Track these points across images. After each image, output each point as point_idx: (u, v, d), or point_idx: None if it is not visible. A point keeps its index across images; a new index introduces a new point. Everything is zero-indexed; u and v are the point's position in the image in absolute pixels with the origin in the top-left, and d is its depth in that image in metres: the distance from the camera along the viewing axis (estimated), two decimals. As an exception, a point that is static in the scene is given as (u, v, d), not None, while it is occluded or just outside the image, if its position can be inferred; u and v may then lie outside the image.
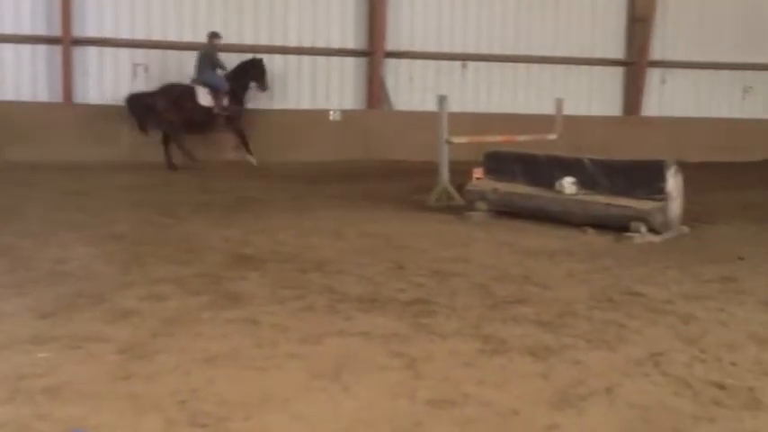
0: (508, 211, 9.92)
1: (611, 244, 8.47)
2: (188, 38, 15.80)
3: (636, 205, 8.84)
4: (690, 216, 9.40)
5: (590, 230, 9.01)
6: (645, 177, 8.98)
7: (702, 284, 6.67)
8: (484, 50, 17.61)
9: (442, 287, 6.38)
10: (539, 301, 6.04)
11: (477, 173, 10.67)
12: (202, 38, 15.25)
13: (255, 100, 15.75)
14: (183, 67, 15.51)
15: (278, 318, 5.43)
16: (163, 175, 13.72)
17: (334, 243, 8.10)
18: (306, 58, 16.73)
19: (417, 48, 17.21)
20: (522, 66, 17.85)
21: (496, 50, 17.67)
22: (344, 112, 16.74)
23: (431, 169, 11.60)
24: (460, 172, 10.89)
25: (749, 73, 18.66)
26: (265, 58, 15.74)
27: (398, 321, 5.39)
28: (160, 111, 14.57)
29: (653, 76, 18.50)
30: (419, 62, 17.29)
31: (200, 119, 14.82)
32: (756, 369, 4.56)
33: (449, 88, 16.14)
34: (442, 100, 11.04)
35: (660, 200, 8.81)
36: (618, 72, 18.48)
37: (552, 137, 12.44)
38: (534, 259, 7.60)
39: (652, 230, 8.73)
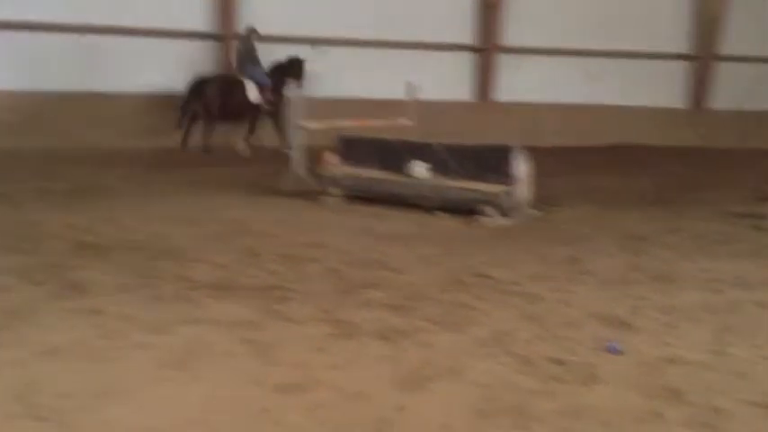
0: (362, 196, 9.96)
1: (462, 227, 8.65)
2: None
3: (486, 189, 9.06)
4: (538, 199, 9.70)
5: (442, 214, 9.18)
6: (494, 162, 9.22)
7: (548, 265, 6.90)
8: (338, 34, 17.59)
9: (295, 273, 6.35)
10: (391, 285, 6.10)
11: (332, 158, 10.67)
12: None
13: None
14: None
15: (125, 307, 5.27)
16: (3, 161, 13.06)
17: (186, 230, 7.92)
18: (154, 41, 16.23)
19: (271, 31, 17.01)
20: (375, 50, 17.94)
21: (350, 34, 17.68)
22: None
23: (284, 154, 11.52)
24: (315, 157, 10.86)
25: (594, 60, 19.40)
26: (107, 40, 15.26)
27: (250, 308, 5.33)
28: (207, 96, 14.76)
29: (503, 62, 18.98)
30: (272, 46, 17.10)
31: (243, 111, 15.20)
32: (595, 345, 4.75)
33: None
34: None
35: (509, 184, 9.06)
36: (469, 58, 18.85)
37: (406, 122, 12.58)
38: (387, 244, 7.67)
39: (502, 214, 8.97)
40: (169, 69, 16.24)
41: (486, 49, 18.65)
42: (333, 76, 17.59)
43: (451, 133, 15.39)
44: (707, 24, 19.71)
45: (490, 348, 4.70)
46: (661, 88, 19.57)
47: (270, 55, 16.79)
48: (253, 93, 15.23)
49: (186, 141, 15.12)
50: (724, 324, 5.21)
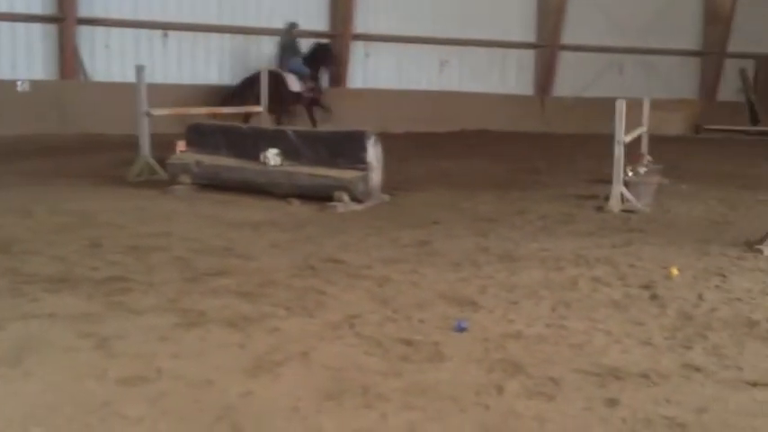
0: (213, 185, 9.81)
1: (315, 213, 8.65)
2: None
3: (338, 175, 9.09)
4: (391, 184, 9.81)
5: (295, 201, 9.15)
6: (346, 148, 9.26)
7: (399, 249, 6.99)
8: (186, 20, 17.22)
9: (139, 263, 6.18)
10: (240, 272, 6.03)
11: (181, 146, 10.45)
12: None
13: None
14: None
15: (-51, 304, 4.99)
16: None
17: (23, 222, 7.58)
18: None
19: (113, 15, 16.47)
20: (226, 36, 17.68)
21: (199, 20, 17.34)
22: (34, 83, 15.67)
23: (131, 143, 11.20)
24: (163, 145, 10.61)
25: (446, 47, 19.77)
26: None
27: (90, 301, 5.15)
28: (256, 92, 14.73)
29: (357, 49, 19.08)
30: (116, 30, 16.57)
31: (289, 101, 16.23)
32: (442, 325, 4.84)
33: (150, 58, 15.67)
34: (139, 70, 10.66)
35: (361, 169, 9.12)
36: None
37: (258, 109, 12.46)
38: (238, 231, 7.58)
39: (355, 199, 9.02)
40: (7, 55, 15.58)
41: (339, 35, 18.69)
42: (183, 63, 17.24)
43: (307, 120, 15.38)
44: (551, 15, 20.44)
45: (340, 331, 4.72)
46: (510, 76, 20.17)
47: (120, 42, 16.32)
48: (294, 83, 16.37)
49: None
50: (563, 299, 5.42)
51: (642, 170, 10.22)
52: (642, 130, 11.15)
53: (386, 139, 9.54)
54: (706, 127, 21.25)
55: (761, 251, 6.92)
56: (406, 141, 15.70)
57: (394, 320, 4.94)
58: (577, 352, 4.41)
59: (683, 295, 5.61)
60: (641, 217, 8.78)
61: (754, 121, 21.51)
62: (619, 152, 9.15)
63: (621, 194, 9.14)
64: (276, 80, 15.62)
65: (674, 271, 6.24)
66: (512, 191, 10.47)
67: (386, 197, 9.52)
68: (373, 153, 9.25)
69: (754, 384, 3.97)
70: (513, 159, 14.16)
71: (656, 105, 11.96)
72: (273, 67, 16.32)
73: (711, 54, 22.05)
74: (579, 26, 20.44)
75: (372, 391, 3.82)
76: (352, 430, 3.46)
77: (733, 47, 21.94)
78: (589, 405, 3.71)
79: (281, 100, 15.84)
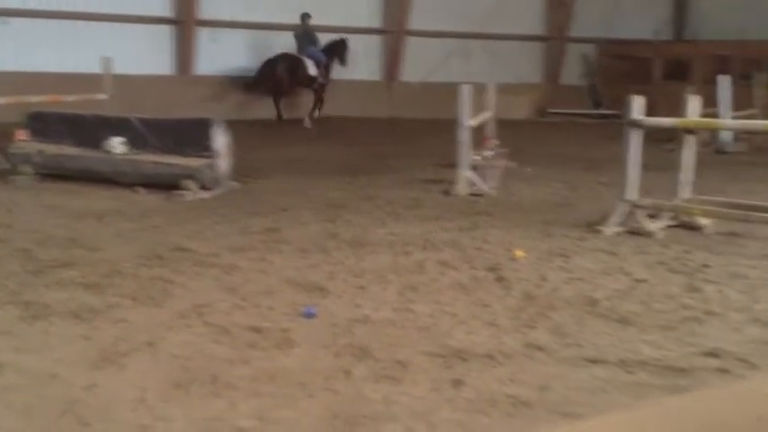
0: (56, 174, 9.42)
1: (162, 202, 8.46)
2: None
3: (185, 163, 8.92)
4: (240, 172, 9.70)
5: (141, 190, 8.91)
6: (193, 135, 9.09)
7: (247, 236, 6.93)
8: (26, 5, 16.43)
9: (-25, 257, 5.88)
10: (85, 263, 5.85)
11: (21, 135, 9.98)
12: None
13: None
14: None
15: None
16: None
17: None
18: None
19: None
20: (67, 22, 16.97)
21: (39, 6, 16.58)
22: None
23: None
24: (3, 134, 10.12)
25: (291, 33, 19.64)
26: None
27: None
28: (278, 73, 17.70)
29: (202, 36, 18.70)
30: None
31: (304, 84, 18.02)
32: (291, 311, 4.84)
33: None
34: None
35: (208, 157, 8.98)
36: (168, 30, 18.38)
37: (102, 96, 12.04)
38: (82, 221, 7.33)
39: (203, 187, 8.87)
40: None
41: (184, 21, 18.27)
42: (23, 50, 16.46)
43: (152, 107, 14.97)
44: (396, 0, 20.65)
45: (188, 320, 4.65)
46: (359, 62, 20.22)
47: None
48: (312, 68, 17.94)
49: (280, 114, 18.26)
50: (410, 283, 5.51)
51: (488, 154, 10.50)
52: (488, 114, 11.43)
53: (235, 126, 9.41)
54: (550, 111, 22.02)
55: (602, 231, 7.22)
56: (254, 128, 15.55)
57: (242, 308, 4.90)
58: (424, 335, 4.49)
59: (528, 276, 5.79)
60: (488, 200, 9.02)
61: (597, 104, 22.46)
62: (464, 137, 9.36)
63: (468, 178, 9.36)
64: (296, 64, 17.84)
65: (519, 253, 6.44)
66: (360, 176, 10.55)
67: (235, 185, 9.41)
68: (220, 140, 9.12)
69: (594, 361, 4.15)
70: (361, 145, 14.26)
71: (501, 90, 12.25)
72: (293, 52, 18.20)
73: (554, 39, 22.83)
74: (425, 12, 20.73)
75: (220, 380, 3.78)
76: (200, 419, 3.42)
77: (575, 31, 22.79)
78: (435, 386, 3.79)
79: (299, 82, 17.95)
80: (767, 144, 13.88)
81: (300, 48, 18.25)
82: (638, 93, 7.45)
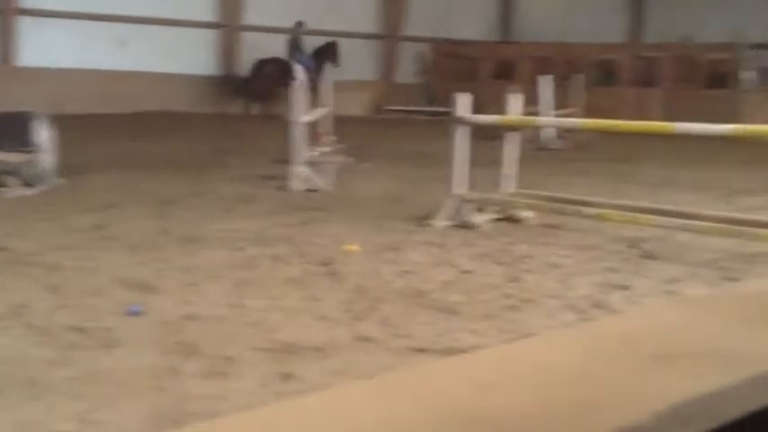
0: None
1: (-20, 199, 8.04)
2: None
3: (4, 159, 8.49)
4: (66, 167, 9.32)
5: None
6: (13, 130, 8.68)
7: (73, 234, 6.69)
8: None
9: None
10: None
11: None
12: None
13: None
14: None
15: None
16: None
17: None
18: None
19: None
20: None
21: None
22: None
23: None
24: None
25: (123, 25, 19.05)
26: None
27: None
28: (266, 75, 19.05)
29: (25, 25, 17.86)
30: None
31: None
32: (116, 310, 4.71)
33: None
34: None
35: (30, 152, 8.60)
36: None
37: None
38: None
39: (25, 184, 8.49)
40: None
41: (3, 10, 17.39)
42: None
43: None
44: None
45: (5, 322, 4.45)
46: (193, 56, 19.87)
47: None
48: (300, 74, 17.62)
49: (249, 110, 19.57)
50: (242, 279, 5.49)
51: (324, 150, 10.55)
52: (324, 110, 11.49)
53: (59, 121, 9.04)
54: (386, 108, 22.37)
55: (432, 225, 7.41)
56: (82, 123, 14.97)
57: (65, 308, 4.73)
58: (255, 330, 4.48)
59: (360, 270, 5.87)
60: (323, 195, 9.07)
61: (431, 102, 22.98)
62: (299, 133, 9.38)
63: (303, 174, 9.39)
64: (285, 68, 18.46)
65: (352, 247, 6.51)
66: (194, 172, 10.38)
67: (61, 181, 9.04)
68: (44, 135, 8.75)
69: (421, 351, 4.26)
70: (196, 140, 14.02)
71: (337, 87, 12.34)
72: (282, 57, 19.42)
73: (389, 37, 23.20)
74: (261, 7, 20.60)
75: (39, 382, 3.64)
76: (17, 424, 3.28)
77: (409, 31, 23.25)
78: (265, 381, 3.79)
79: (287, 85, 17.65)
80: (586, 141, 14.64)
81: (290, 53, 19.44)
82: (469, 91, 7.69)
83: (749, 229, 6.54)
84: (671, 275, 5.92)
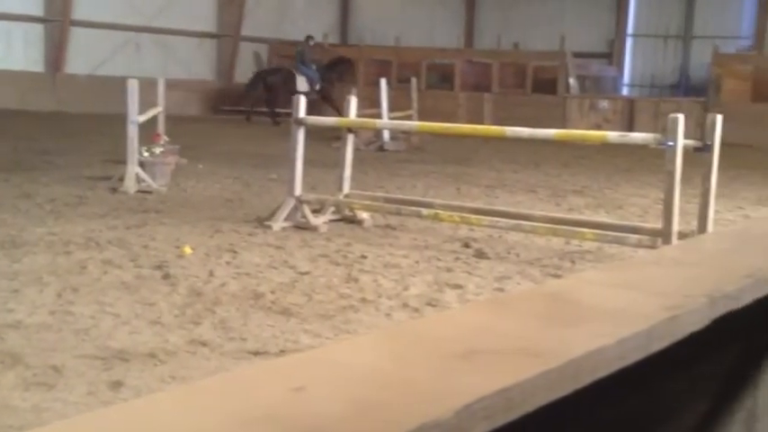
0: None
1: None
2: None
3: None
4: None
5: None
6: None
7: None
8: None
9: None
10: None
11: None
12: None
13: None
14: None
15: None
16: None
17: None
18: None
19: None
20: None
21: None
22: None
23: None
24: None
25: None
26: None
27: None
28: (267, 83, 20.09)
29: None
30: None
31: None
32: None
33: None
34: None
35: None
36: None
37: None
38: None
39: None
40: None
41: None
42: None
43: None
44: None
45: None
46: (17, 51, 18.95)
47: None
48: (302, 84, 19.78)
49: (250, 118, 20.27)
50: (70, 284, 5.27)
51: (159, 150, 10.29)
52: (158, 110, 11.22)
53: None
54: (224, 108, 22.07)
55: (270, 227, 7.37)
56: None
57: None
58: (83, 337, 4.32)
59: (195, 273, 5.77)
60: (157, 197, 8.86)
61: (269, 102, 22.89)
62: (133, 132, 9.11)
63: (137, 175, 9.13)
64: (288, 77, 19.98)
65: (187, 249, 6.39)
66: (18, 173, 9.89)
67: None
68: None
69: (256, 353, 4.23)
70: (20, 139, 13.35)
71: (174, 86, 12.11)
72: (288, 67, 20.64)
73: (226, 36, 22.90)
74: (92, 2, 19.87)
75: None
76: None
77: (247, 30, 23.03)
78: (92, 390, 3.66)
79: (290, 93, 18.06)
80: (422, 144, 14.98)
81: (297, 65, 20.45)
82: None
83: (573, 228, 6.87)
84: (501, 274, 6.13)
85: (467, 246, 6.99)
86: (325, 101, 20.66)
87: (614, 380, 0.91)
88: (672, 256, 1.24)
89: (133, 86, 9.13)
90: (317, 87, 20.65)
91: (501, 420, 0.69)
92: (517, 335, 0.83)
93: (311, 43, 21.08)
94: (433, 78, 21.87)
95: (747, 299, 1.10)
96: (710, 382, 1.69)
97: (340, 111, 21.04)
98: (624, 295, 0.99)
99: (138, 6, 20.35)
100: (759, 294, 1.13)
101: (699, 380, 1.64)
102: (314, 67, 20.83)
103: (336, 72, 21.21)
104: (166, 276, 5.64)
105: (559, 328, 0.86)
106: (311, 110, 19.51)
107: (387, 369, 0.73)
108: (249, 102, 20.76)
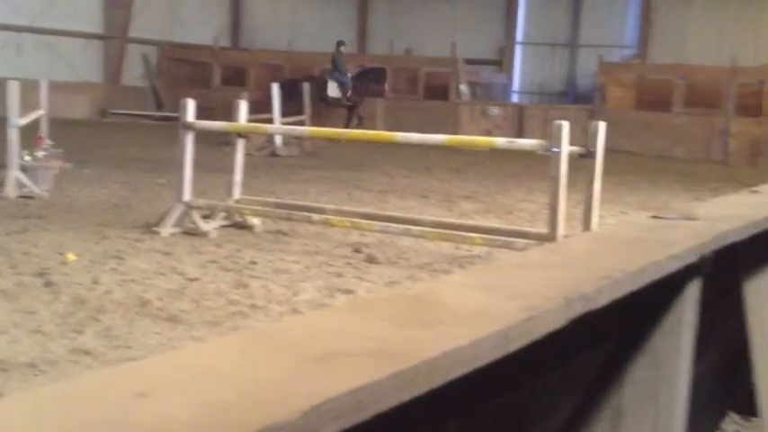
0: None
1: None
2: None
3: None
4: None
5: None
6: None
7: None
8: None
9: None
10: None
11: None
12: None
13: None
14: None
15: None
16: None
17: None
18: None
19: None
20: None
21: None
22: None
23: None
24: None
25: None
26: None
27: None
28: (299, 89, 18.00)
29: None
30: None
31: (327, 102, 19.51)
32: None
33: None
34: None
35: None
36: None
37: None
38: None
39: None
40: None
41: None
42: None
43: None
44: None
45: None
46: None
47: None
48: (333, 90, 19.89)
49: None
50: (-57, 293, 5.06)
51: (41, 154, 9.97)
52: (41, 112, 10.87)
53: None
54: (112, 111, 21.55)
55: (158, 233, 7.23)
56: None
57: None
58: (-44, 348, 4.15)
59: (79, 280, 5.62)
60: (40, 203, 8.60)
61: (159, 106, 22.48)
62: (13, 135, 8.82)
63: (17, 180, 8.83)
64: (319, 84, 19.61)
65: (71, 256, 6.22)
66: None
67: None
68: None
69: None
70: None
71: (59, 88, 11.76)
72: (318, 73, 20.57)
73: (113, 38, 22.37)
74: None
75: None
76: None
77: (135, 32, 22.55)
78: (-34, 402, 3.51)
79: (322, 99, 19.32)
80: (316, 148, 14.98)
81: (332, 72, 20.24)
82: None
83: (463, 233, 6.99)
84: (391, 278, 6.19)
85: (358, 251, 7.02)
86: (350, 109, 20.49)
87: (489, 377, 0.94)
88: (536, 259, 1.28)
89: (13, 88, 8.83)
90: (349, 94, 20.30)
91: (352, 421, 0.69)
92: (374, 337, 0.84)
93: (342, 49, 20.62)
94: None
95: (604, 300, 1.14)
96: (581, 381, 1.75)
97: (361, 121, 20.86)
98: (484, 297, 1.02)
99: (20, 6, 19.67)
100: (616, 295, 1.18)
101: (570, 378, 1.70)
102: (348, 74, 20.45)
103: (367, 80, 20.73)
104: (48, 284, 5.48)
105: (417, 329, 0.88)
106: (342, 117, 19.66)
107: (235, 372, 0.73)
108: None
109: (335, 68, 20.65)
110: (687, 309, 1.60)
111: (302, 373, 0.75)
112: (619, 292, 1.19)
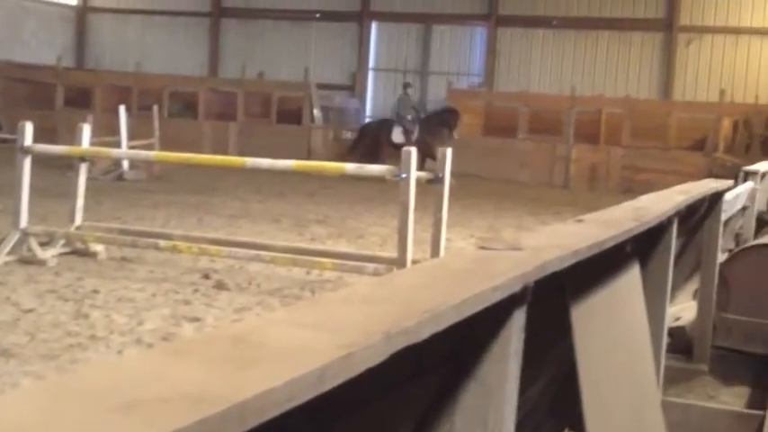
0: None
1: None
2: None
3: None
4: None
5: None
6: None
7: None
8: None
9: None
10: None
11: None
12: None
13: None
14: None
15: None
16: None
17: None
18: None
19: None
20: None
21: None
22: None
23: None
24: None
25: None
26: None
27: None
28: (370, 136, 19.25)
29: None
30: None
31: (392, 147, 18.03)
32: None
33: None
34: None
35: None
36: None
37: None
38: None
39: None
40: None
41: None
42: None
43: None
44: None
45: None
46: None
47: None
48: (398, 135, 18.84)
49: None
50: None
51: None
52: None
53: None
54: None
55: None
56: None
57: None
58: None
59: None
60: None
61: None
62: None
63: None
64: (387, 129, 19.06)
65: None
66: None
67: None
68: None
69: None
70: None
71: None
72: (388, 118, 20.08)
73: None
74: None
75: None
76: None
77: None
78: None
79: (389, 144, 18.57)
80: (164, 173, 14.65)
81: (399, 115, 19.42)
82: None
83: (313, 258, 7.00)
84: (241, 305, 6.12)
85: (207, 277, 6.90)
86: (419, 151, 19.14)
87: (320, 404, 0.94)
88: (362, 294, 1.30)
89: None
90: (414, 138, 18.91)
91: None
92: (187, 380, 0.83)
93: (409, 91, 20.17)
94: (177, 107, 21.43)
95: (427, 333, 1.17)
96: (414, 409, 1.78)
97: (434, 157, 19.36)
98: (306, 334, 1.02)
99: None
100: (439, 328, 1.21)
101: (403, 406, 1.72)
102: (409, 117, 19.50)
103: (439, 121, 19.32)
104: None
105: (232, 371, 0.87)
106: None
107: (30, 428, 0.71)
108: (356, 155, 18.19)
109: (402, 110, 19.90)
110: (513, 336, 1.66)
111: (104, 425, 0.73)
112: (442, 325, 1.22)
